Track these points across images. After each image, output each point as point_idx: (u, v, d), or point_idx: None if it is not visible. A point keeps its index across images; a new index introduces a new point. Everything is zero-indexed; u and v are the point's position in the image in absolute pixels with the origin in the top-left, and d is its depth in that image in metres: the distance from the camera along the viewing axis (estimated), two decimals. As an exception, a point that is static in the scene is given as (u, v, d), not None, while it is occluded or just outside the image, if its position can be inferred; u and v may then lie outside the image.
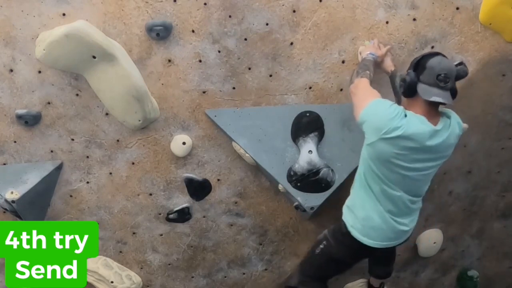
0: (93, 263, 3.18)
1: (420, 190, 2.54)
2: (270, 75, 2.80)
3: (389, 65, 2.65)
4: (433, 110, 2.33)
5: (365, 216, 2.52)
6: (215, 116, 2.85)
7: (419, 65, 2.31)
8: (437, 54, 2.34)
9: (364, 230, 2.53)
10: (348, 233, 2.57)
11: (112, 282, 3.16)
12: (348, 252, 2.65)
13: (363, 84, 2.42)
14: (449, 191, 3.34)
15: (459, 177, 3.28)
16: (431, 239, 3.47)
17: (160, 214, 3.12)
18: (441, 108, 2.39)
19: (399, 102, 2.51)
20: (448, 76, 2.25)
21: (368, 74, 2.46)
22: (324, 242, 2.71)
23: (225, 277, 3.41)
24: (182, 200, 3.09)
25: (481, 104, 2.97)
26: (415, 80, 2.29)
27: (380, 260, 2.97)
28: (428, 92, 2.26)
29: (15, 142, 2.85)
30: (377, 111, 2.30)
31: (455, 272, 3.80)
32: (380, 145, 2.30)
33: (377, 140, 2.29)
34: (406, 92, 2.34)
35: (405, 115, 2.28)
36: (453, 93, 2.33)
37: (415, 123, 2.27)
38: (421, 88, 2.28)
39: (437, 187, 3.28)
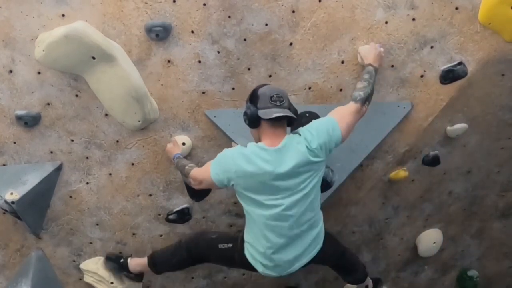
0: (93, 264, 3.18)
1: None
2: (270, 76, 2.80)
3: (368, 57, 2.67)
4: (279, 131, 2.45)
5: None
6: (215, 116, 2.85)
7: (252, 97, 2.45)
8: (263, 84, 2.53)
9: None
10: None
11: (112, 283, 3.15)
12: None
13: (195, 171, 2.60)
14: (449, 191, 3.34)
15: (458, 177, 3.28)
16: (431, 239, 3.48)
17: (160, 214, 3.12)
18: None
19: (365, 85, 2.58)
20: (280, 96, 2.43)
21: (189, 166, 2.65)
22: None
23: (225, 277, 3.41)
24: (182, 201, 3.09)
25: (480, 104, 2.97)
26: (254, 109, 2.42)
27: (338, 270, 3.04)
28: (269, 113, 2.39)
29: (14, 143, 2.84)
30: (221, 159, 2.51)
31: (455, 272, 3.80)
32: (242, 181, 2.47)
33: (236, 178, 2.46)
34: (251, 123, 2.47)
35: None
36: (294, 111, 2.48)
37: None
38: (262, 112, 2.40)
39: (437, 187, 3.28)
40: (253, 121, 2.45)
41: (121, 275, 3.13)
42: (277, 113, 2.38)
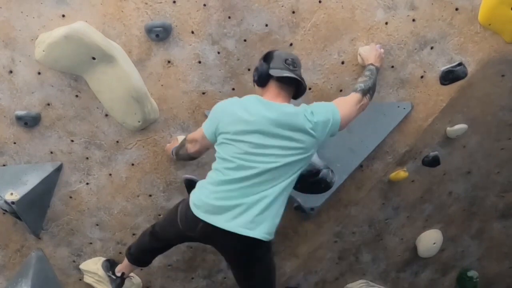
0: (93, 264, 3.17)
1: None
2: (270, 76, 2.80)
3: (369, 59, 2.67)
4: (284, 94, 2.42)
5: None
6: (215, 117, 2.85)
7: (267, 56, 2.46)
8: (277, 49, 2.54)
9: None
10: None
11: (112, 283, 3.16)
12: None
13: (190, 134, 2.65)
14: (449, 192, 3.34)
15: (458, 178, 3.28)
16: (431, 240, 3.48)
17: (159, 215, 3.12)
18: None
19: (366, 79, 2.58)
20: (295, 61, 2.44)
21: (183, 139, 2.71)
22: None
23: (225, 278, 3.41)
24: (181, 201, 3.09)
25: (480, 104, 2.97)
26: (266, 67, 2.41)
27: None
28: (280, 72, 2.38)
29: (14, 143, 2.84)
30: (213, 110, 2.45)
31: (455, 273, 3.80)
32: (228, 122, 2.36)
33: (223, 122, 2.37)
34: (260, 80, 2.44)
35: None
36: (302, 79, 2.45)
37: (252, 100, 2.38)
38: (273, 71, 2.39)
39: (437, 187, 3.28)
40: (262, 79, 2.42)
41: (107, 275, 3.07)
42: (288, 74, 2.37)
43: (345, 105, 2.48)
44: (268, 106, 2.35)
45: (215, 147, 2.45)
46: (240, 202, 2.32)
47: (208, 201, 2.36)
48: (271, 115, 2.31)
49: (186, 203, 2.49)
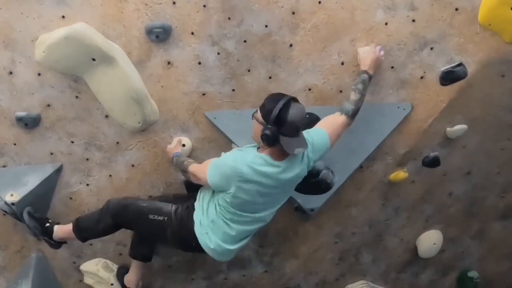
0: (93, 265, 3.18)
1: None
2: (270, 77, 2.80)
3: (365, 62, 2.67)
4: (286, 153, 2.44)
5: None
6: (215, 118, 2.85)
7: (279, 119, 2.33)
8: (288, 101, 2.35)
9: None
10: None
11: (112, 284, 3.16)
12: None
13: (194, 166, 2.63)
14: (449, 192, 3.34)
15: (459, 178, 3.28)
16: (431, 240, 3.48)
17: (160, 216, 3.12)
18: None
19: (359, 98, 2.64)
20: (303, 124, 2.43)
21: (188, 161, 2.70)
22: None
23: (225, 279, 3.41)
24: (182, 202, 3.08)
25: (480, 105, 2.97)
26: (277, 134, 2.34)
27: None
28: (290, 145, 2.35)
29: (15, 144, 2.84)
30: (221, 165, 2.47)
31: (455, 273, 3.80)
32: (242, 188, 2.42)
33: (236, 187, 2.41)
34: (269, 143, 2.38)
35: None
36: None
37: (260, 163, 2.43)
38: (284, 141, 2.35)
39: (437, 188, 3.28)
40: (271, 142, 2.36)
41: (38, 237, 2.93)
42: (298, 148, 2.35)
43: (335, 131, 2.62)
44: (282, 169, 2.44)
45: (222, 197, 2.52)
46: (248, 234, 2.69)
47: (227, 252, 2.68)
48: (285, 177, 2.46)
49: (177, 232, 2.67)
